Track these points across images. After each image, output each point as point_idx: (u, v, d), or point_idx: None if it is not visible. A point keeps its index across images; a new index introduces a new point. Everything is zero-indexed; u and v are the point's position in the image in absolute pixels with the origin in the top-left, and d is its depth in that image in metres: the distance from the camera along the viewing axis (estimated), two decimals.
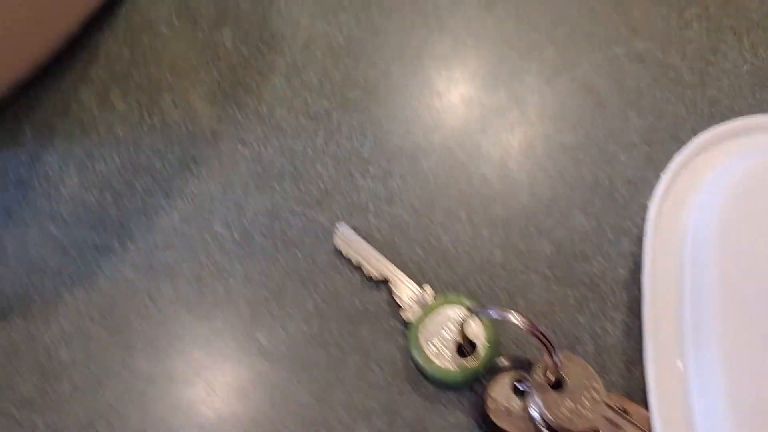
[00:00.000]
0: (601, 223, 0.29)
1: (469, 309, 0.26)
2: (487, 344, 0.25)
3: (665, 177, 0.28)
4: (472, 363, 0.25)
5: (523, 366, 0.25)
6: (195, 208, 0.29)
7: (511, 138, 0.31)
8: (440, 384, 0.26)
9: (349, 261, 0.28)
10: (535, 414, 0.24)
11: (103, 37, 0.32)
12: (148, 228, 0.28)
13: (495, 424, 0.24)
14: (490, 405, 0.25)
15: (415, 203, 0.29)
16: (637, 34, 0.33)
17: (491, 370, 0.25)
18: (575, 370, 0.24)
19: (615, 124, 0.31)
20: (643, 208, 0.29)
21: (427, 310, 0.26)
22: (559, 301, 0.28)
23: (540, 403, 0.23)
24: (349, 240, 0.28)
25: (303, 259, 0.28)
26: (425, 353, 0.25)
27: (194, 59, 0.32)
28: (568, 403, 0.23)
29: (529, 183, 0.30)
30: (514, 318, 0.23)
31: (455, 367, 0.25)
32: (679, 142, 0.31)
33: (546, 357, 0.24)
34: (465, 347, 0.26)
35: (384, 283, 0.27)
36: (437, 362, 0.25)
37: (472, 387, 0.26)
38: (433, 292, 0.27)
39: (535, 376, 0.24)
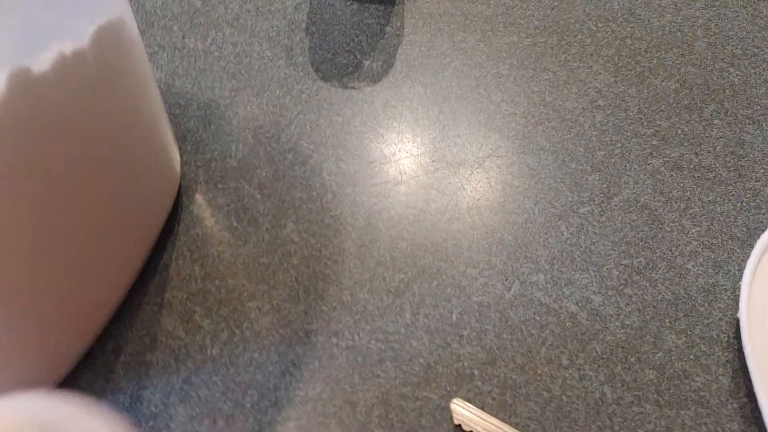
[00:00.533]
0: (692, 337, 0.31)
1: None
2: None
3: (744, 285, 0.30)
4: None
5: None
6: (308, 414, 0.29)
7: (587, 274, 0.32)
8: None
9: None
10: None
11: (171, 258, 0.33)
12: None
13: None
14: None
15: (516, 358, 0.30)
16: (668, 142, 0.36)
17: None
18: None
19: (674, 236, 0.33)
20: (724, 313, 0.31)
21: None
22: (677, 426, 0.29)
23: None
24: (466, 417, 0.29)
25: None
26: None
27: (266, 260, 0.33)
28: None
29: (616, 314, 0.31)
30: None
31: None
32: (737, 240, 0.33)
33: None
34: None
35: None
36: None
37: None
38: None
39: None
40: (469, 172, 0.34)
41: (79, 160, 0.25)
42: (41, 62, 0.22)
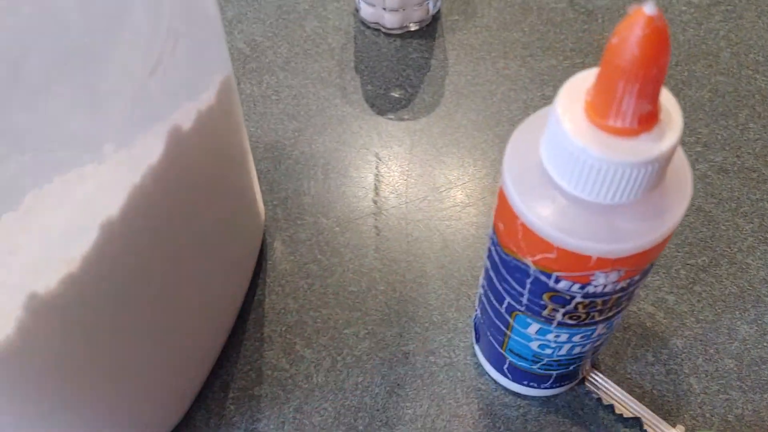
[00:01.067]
0: (762, 326, 0.34)
1: None
2: None
3: None
4: None
5: None
6: (418, 430, 0.31)
7: (658, 276, 0.35)
8: None
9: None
10: None
11: (264, 294, 0.35)
12: None
13: None
14: None
15: (606, 360, 0.33)
16: (710, 148, 0.39)
17: None
18: None
19: (730, 234, 0.36)
20: None
21: None
22: (763, 408, 0.32)
23: None
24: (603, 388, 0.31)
25: None
26: None
27: (355, 288, 0.35)
28: None
29: (690, 310, 0.34)
30: None
31: None
32: None
33: None
34: None
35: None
36: None
37: None
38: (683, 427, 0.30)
39: None
40: None
41: (195, 212, 0.27)
42: (184, 119, 0.24)
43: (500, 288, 0.26)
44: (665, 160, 0.20)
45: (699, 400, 0.32)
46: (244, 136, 0.31)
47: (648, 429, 0.31)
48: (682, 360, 0.33)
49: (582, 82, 0.21)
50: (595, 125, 0.20)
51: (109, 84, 0.20)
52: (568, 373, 0.30)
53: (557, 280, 0.23)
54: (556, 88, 0.41)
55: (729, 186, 0.38)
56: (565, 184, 0.21)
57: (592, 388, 0.32)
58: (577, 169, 0.20)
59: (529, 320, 0.26)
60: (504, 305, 0.27)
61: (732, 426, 0.31)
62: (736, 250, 0.36)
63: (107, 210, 0.21)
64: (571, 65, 0.42)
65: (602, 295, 0.24)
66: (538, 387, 0.31)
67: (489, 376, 0.33)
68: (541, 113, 0.23)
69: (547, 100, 0.41)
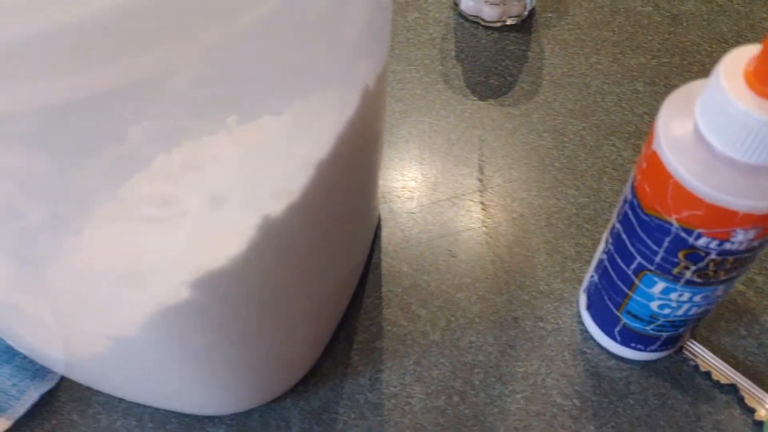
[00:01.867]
0: None
1: None
2: None
3: None
4: None
5: None
6: (531, 387, 0.35)
7: None
8: None
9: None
10: None
11: (379, 258, 0.38)
12: (503, 415, 0.34)
13: None
14: None
15: (701, 331, 0.36)
16: None
17: None
18: None
19: None
20: None
21: None
22: None
23: None
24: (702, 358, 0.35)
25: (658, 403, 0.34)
26: None
27: (463, 256, 0.39)
28: None
29: None
30: None
31: None
32: None
33: None
34: None
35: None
36: None
37: None
38: None
39: None
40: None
41: (353, 179, 0.30)
42: (371, 79, 0.27)
43: (632, 249, 0.30)
44: None
45: None
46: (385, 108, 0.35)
47: (744, 395, 0.34)
48: None
49: (740, 56, 0.24)
50: (755, 92, 0.24)
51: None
52: (675, 336, 0.34)
53: (698, 237, 0.27)
54: (646, 84, 0.45)
55: None
56: (720, 146, 0.25)
57: (690, 355, 0.36)
58: (735, 132, 0.24)
59: (656, 279, 0.30)
60: (633, 266, 0.30)
61: None
62: None
63: (318, 151, 0.24)
64: (659, 64, 0.46)
65: (735, 252, 0.27)
66: (644, 350, 0.35)
67: (594, 341, 0.36)
68: (691, 86, 0.27)
69: (639, 93, 0.45)
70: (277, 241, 0.24)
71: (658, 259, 0.29)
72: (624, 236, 0.30)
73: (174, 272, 0.23)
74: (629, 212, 0.30)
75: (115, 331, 0.25)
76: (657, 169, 0.27)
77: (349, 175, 0.29)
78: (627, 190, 0.30)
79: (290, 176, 0.24)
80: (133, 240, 0.21)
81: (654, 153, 0.27)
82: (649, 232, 0.29)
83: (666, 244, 0.28)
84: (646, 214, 0.28)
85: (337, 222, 0.30)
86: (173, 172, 0.20)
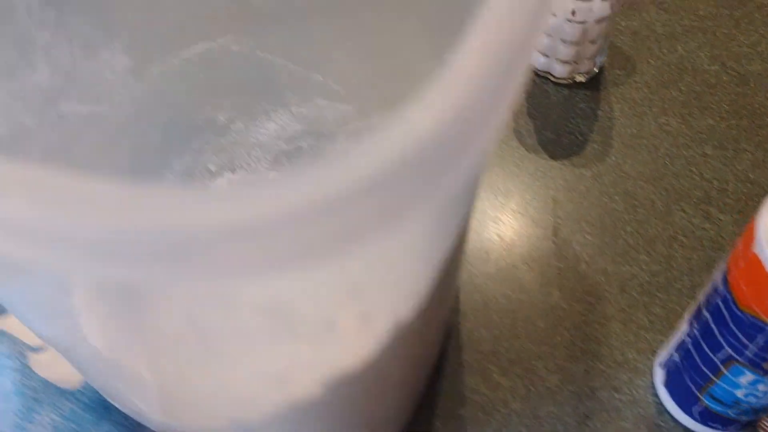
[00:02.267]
0: None
1: None
2: None
3: None
4: None
5: None
6: None
7: None
8: None
9: None
10: None
11: (458, 321, 0.40)
12: None
13: None
14: None
15: None
16: None
17: None
18: None
19: None
20: None
21: None
22: None
23: None
24: None
25: None
26: None
27: (543, 324, 0.40)
28: None
29: None
30: None
31: None
32: None
33: None
34: None
35: None
36: None
37: None
38: None
39: None
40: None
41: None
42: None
43: (721, 339, 0.31)
44: None
45: None
46: None
47: None
48: None
49: None
50: None
51: None
52: (755, 420, 0.35)
53: None
54: (715, 148, 0.46)
55: None
56: None
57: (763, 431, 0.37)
58: None
59: (745, 371, 0.31)
60: (720, 355, 0.32)
61: None
62: None
63: (444, 248, 0.26)
64: (727, 127, 0.48)
65: None
66: (722, 429, 0.36)
67: (670, 414, 0.38)
68: None
69: (707, 157, 0.46)
70: (403, 339, 0.26)
71: (749, 353, 0.30)
72: (713, 325, 0.32)
73: (310, 373, 0.24)
74: (721, 305, 0.31)
75: (237, 415, 0.27)
76: (757, 271, 0.28)
77: (457, 258, 0.31)
78: (718, 281, 0.32)
79: (419, 276, 0.25)
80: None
81: (755, 256, 0.28)
82: (743, 327, 0.30)
83: (760, 341, 0.30)
84: (741, 311, 0.30)
85: (437, 303, 0.32)
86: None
